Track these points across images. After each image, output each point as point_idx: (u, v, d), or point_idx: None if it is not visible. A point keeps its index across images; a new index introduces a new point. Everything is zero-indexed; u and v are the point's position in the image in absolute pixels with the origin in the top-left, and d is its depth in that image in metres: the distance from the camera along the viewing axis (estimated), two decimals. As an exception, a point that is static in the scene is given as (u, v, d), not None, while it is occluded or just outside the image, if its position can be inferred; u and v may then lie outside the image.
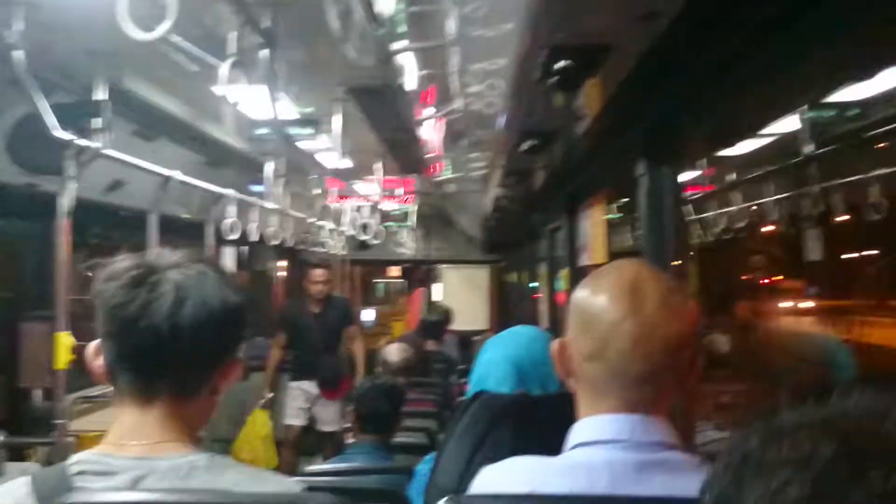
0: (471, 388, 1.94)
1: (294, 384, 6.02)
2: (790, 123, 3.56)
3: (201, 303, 1.13)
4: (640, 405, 1.14)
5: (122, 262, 1.15)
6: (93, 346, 1.17)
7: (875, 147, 3.79)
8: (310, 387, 5.93)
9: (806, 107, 3.21)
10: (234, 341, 1.22)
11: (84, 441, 3.61)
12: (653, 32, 1.53)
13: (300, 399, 5.97)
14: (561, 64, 1.63)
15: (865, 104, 3.20)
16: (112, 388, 1.17)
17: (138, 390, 1.14)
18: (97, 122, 3.24)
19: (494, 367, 1.88)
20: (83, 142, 3.17)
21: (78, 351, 3.25)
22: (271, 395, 6.00)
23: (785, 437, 0.53)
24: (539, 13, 1.53)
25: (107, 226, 5.15)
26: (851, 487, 0.49)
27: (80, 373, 3.30)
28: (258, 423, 5.74)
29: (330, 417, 5.98)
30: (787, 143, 3.99)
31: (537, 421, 1.68)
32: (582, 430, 1.19)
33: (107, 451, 1.13)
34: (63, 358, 3.23)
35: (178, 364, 1.14)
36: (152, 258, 1.16)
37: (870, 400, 0.55)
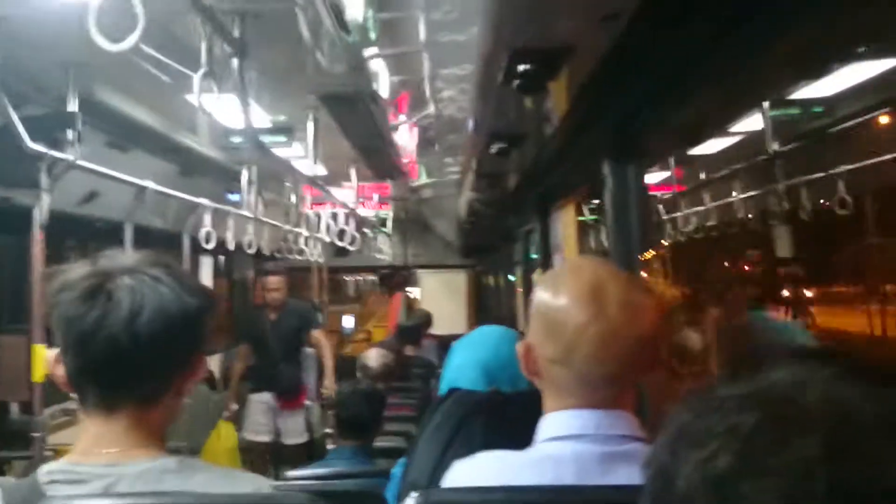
0: (440, 393, 1.96)
1: (254, 397, 5.70)
2: (753, 122, 3.64)
3: (158, 309, 1.12)
4: (605, 402, 1.17)
5: (76, 271, 1.13)
6: (52, 355, 1.17)
7: (840, 142, 3.87)
8: (270, 398, 5.65)
9: (768, 104, 3.28)
10: (195, 344, 1.21)
11: (63, 455, 3.60)
12: (613, 33, 1.57)
13: (261, 412, 5.64)
14: (523, 67, 1.66)
15: (827, 101, 3.28)
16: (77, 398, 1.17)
17: (101, 401, 1.13)
18: (70, 134, 3.23)
19: (463, 372, 1.90)
20: (56, 154, 3.17)
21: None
22: (236, 407, 5.73)
23: (714, 410, 0.56)
24: (500, 17, 1.56)
25: (83, 237, 5.12)
26: (774, 455, 0.51)
27: (57, 386, 3.29)
28: (223, 436, 5.59)
29: (294, 429, 5.74)
30: (751, 142, 4.07)
31: (508, 417, 1.71)
32: (549, 425, 1.22)
33: (76, 460, 1.12)
34: (40, 371, 3.22)
35: (139, 373, 1.13)
36: (106, 264, 1.14)
37: (796, 372, 0.57)
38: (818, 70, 2.32)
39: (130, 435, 1.14)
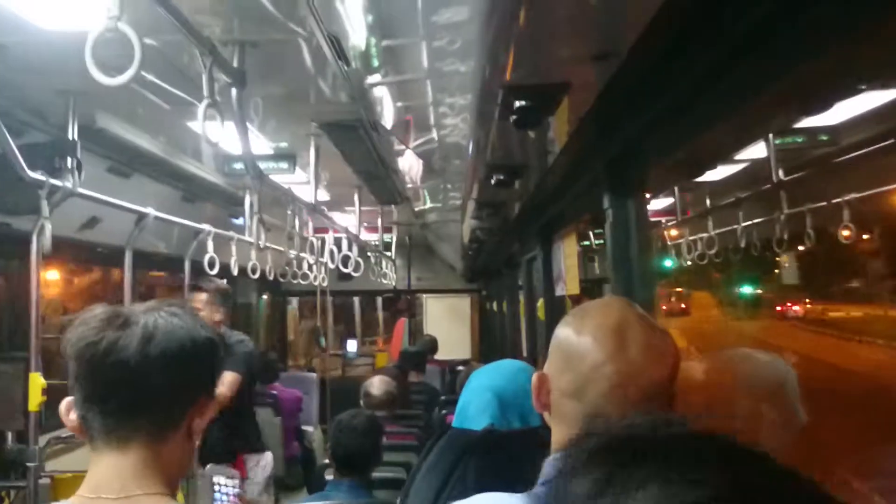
0: (455, 417, 1.96)
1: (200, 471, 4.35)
2: (758, 149, 3.63)
3: (170, 336, 1.12)
4: None
5: (94, 311, 1.15)
6: (65, 402, 1.16)
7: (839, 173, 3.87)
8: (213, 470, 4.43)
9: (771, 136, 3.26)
10: (205, 377, 1.21)
11: (59, 483, 3.57)
12: (607, 71, 1.55)
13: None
14: (519, 103, 1.65)
15: (822, 132, 3.26)
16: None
17: (111, 432, 1.12)
18: (70, 162, 3.23)
19: (476, 396, 1.89)
20: (55, 181, 3.17)
21: (50, 391, 3.22)
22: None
23: (573, 451, 0.61)
24: (494, 54, 1.55)
25: (83, 262, 5.12)
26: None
27: (53, 413, 3.27)
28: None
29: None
30: (757, 168, 4.05)
31: (504, 456, 1.69)
32: (550, 466, 1.21)
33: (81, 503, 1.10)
34: (36, 400, 3.20)
35: (149, 400, 1.12)
36: (125, 308, 1.17)
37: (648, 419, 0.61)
38: (817, 106, 2.29)
39: (140, 476, 1.11)
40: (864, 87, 2.33)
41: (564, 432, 1.19)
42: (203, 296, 4.78)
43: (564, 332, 1.22)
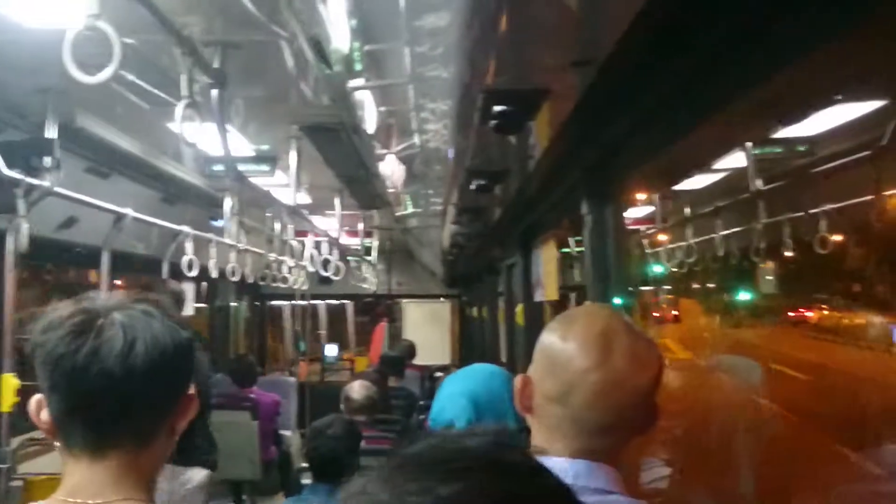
0: (430, 422, 1.96)
1: None
2: (737, 159, 3.67)
3: (153, 342, 1.08)
4: (594, 453, 1.15)
5: (61, 311, 1.09)
6: (35, 400, 1.10)
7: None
8: None
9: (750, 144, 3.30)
10: (185, 379, 1.18)
11: (33, 485, 3.53)
12: (586, 78, 1.57)
13: None
14: (499, 108, 1.66)
15: (800, 142, 3.30)
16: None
17: (92, 442, 1.08)
18: (47, 161, 3.21)
19: (452, 400, 1.89)
20: (32, 180, 3.14)
21: (24, 392, 3.18)
22: None
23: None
24: (474, 60, 1.56)
25: (61, 263, 5.08)
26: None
27: (26, 415, 3.23)
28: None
29: None
30: (736, 177, 4.09)
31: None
32: None
33: None
34: (8, 401, 3.16)
35: (133, 409, 1.09)
36: (93, 303, 1.11)
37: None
38: (794, 115, 2.32)
39: (119, 482, 1.08)
40: (839, 97, 2.36)
41: (546, 436, 1.20)
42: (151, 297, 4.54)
43: (550, 338, 1.22)
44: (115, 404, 1.07)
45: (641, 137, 1.87)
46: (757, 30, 1.36)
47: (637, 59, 1.50)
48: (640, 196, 4.27)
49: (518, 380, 1.25)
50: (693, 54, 1.50)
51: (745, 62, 1.45)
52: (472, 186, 2.72)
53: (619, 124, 1.82)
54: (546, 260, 3.45)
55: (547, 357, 1.21)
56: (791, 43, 1.32)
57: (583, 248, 5.61)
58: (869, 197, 3.73)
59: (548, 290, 3.43)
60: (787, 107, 1.89)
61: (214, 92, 2.76)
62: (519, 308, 4.23)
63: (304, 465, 3.58)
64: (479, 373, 1.97)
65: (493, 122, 1.74)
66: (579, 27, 1.41)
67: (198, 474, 4.33)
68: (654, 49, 1.50)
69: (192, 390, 1.20)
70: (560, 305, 4.55)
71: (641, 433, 1.23)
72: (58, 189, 3.30)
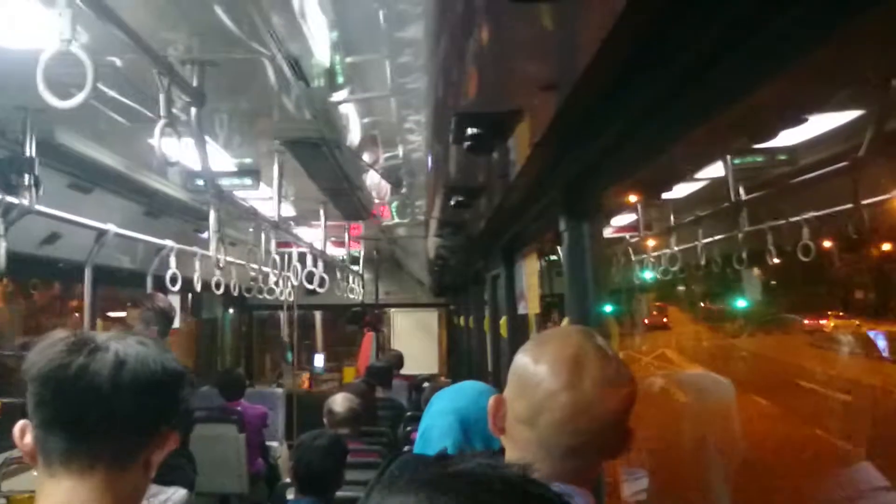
0: (417, 441, 1.96)
1: None
2: (717, 168, 3.69)
3: (142, 364, 1.12)
4: (563, 475, 1.15)
5: (57, 334, 1.13)
6: (20, 425, 1.13)
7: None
8: None
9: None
10: (170, 408, 1.19)
11: (15, 502, 3.51)
12: (558, 100, 1.57)
13: None
14: (471, 130, 1.66)
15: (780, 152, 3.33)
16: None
17: (71, 458, 1.09)
18: (27, 179, 3.19)
19: (439, 419, 1.89)
20: (12, 199, 3.13)
21: (6, 410, 3.16)
22: None
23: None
24: (445, 83, 1.56)
25: (45, 278, 5.05)
26: None
27: (9, 432, 3.21)
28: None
29: None
30: (718, 186, 4.12)
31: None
32: None
33: None
34: (-11, 419, 3.14)
35: (117, 427, 1.11)
36: (88, 334, 1.15)
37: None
38: (770, 132, 2.34)
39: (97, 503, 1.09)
40: (807, 117, 2.38)
41: (517, 457, 1.20)
42: (136, 312, 4.49)
43: (522, 360, 1.22)
44: (99, 421, 1.09)
45: (618, 155, 1.87)
46: (729, 48, 1.37)
47: (608, 81, 1.51)
48: (618, 210, 4.29)
49: (492, 400, 1.25)
50: (664, 74, 1.51)
51: (718, 81, 1.46)
52: (452, 202, 2.73)
53: (594, 144, 1.83)
54: (529, 273, 3.45)
55: (519, 378, 1.22)
56: (765, 60, 1.32)
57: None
58: (849, 206, 3.75)
59: (531, 303, 3.43)
60: (761, 124, 1.90)
61: (194, 110, 2.75)
62: (502, 321, 4.23)
63: (288, 480, 3.57)
64: (467, 391, 1.97)
65: (466, 143, 1.75)
66: (550, 50, 1.42)
67: (176, 494, 4.29)
68: (626, 71, 1.50)
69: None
70: (545, 317, 4.56)
71: (613, 457, 1.23)
72: (38, 207, 3.28)
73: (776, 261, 4.72)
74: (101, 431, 1.10)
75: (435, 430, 1.88)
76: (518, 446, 1.20)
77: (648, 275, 6.49)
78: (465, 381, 2.11)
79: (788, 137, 3.38)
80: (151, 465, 1.17)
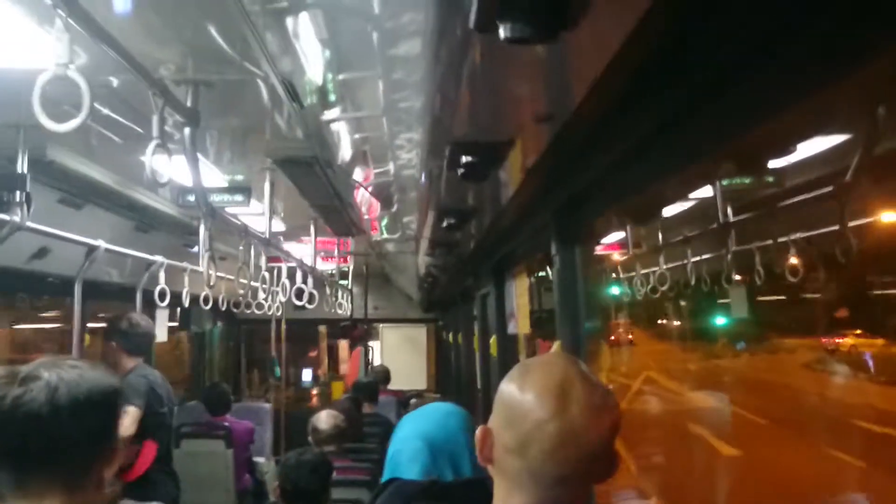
0: (386, 466, 1.95)
1: None
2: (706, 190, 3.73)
3: (76, 385, 1.13)
4: (554, 501, 1.16)
5: None
6: None
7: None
8: None
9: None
10: (111, 422, 1.21)
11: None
12: (550, 132, 1.59)
13: None
14: (466, 159, 1.68)
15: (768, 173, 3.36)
16: None
17: (24, 487, 1.10)
18: (18, 196, 3.18)
19: (406, 444, 1.88)
20: (2, 216, 3.12)
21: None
22: None
23: None
24: (440, 113, 1.58)
25: (34, 293, 5.03)
26: None
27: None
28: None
29: None
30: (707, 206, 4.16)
31: (448, 508, 1.70)
32: None
33: None
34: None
35: (60, 451, 1.12)
36: (16, 367, 1.16)
37: None
38: (756, 164, 2.37)
39: None
40: (794, 149, 2.41)
41: (506, 487, 1.21)
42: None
43: (508, 389, 1.23)
44: (44, 447, 1.11)
45: (607, 184, 1.90)
46: (718, 87, 1.39)
47: (601, 114, 1.54)
48: (607, 233, 4.33)
49: (479, 432, 1.26)
50: (657, 108, 1.53)
51: (707, 118, 1.49)
52: (444, 224, 2.75)
53: (586, 174, 1.85)
54: (519, 293, 3.47)
55: (505, 408, 1.22)
56: (754, 98, 1.34)
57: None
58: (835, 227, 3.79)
59: (520, 323, 3.45)
60: (750, 156, 1.93)
61: (187, 129, 2.76)
62: (492, 340, 4.24)
63: (273, 499, 3.55)
64: (434, 413, 1.95)
65: (460, 171, 1.76)
66: (546, 85, 1.44)
67: None
68: (619, 106, 1.53)
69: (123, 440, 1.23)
70: (534, 333, 4.57)
71: (601, 482, 1.24)
72: (29, 224, 3.28)
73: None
74: (48, 457, 1.11)
75: (403, 455, 1.87)
76: (507, 476, 1.21)
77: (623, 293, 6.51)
78: (432, 402, 2.10)
79: (777, 161, 3.43)
80: (104, 483, 1.19)
